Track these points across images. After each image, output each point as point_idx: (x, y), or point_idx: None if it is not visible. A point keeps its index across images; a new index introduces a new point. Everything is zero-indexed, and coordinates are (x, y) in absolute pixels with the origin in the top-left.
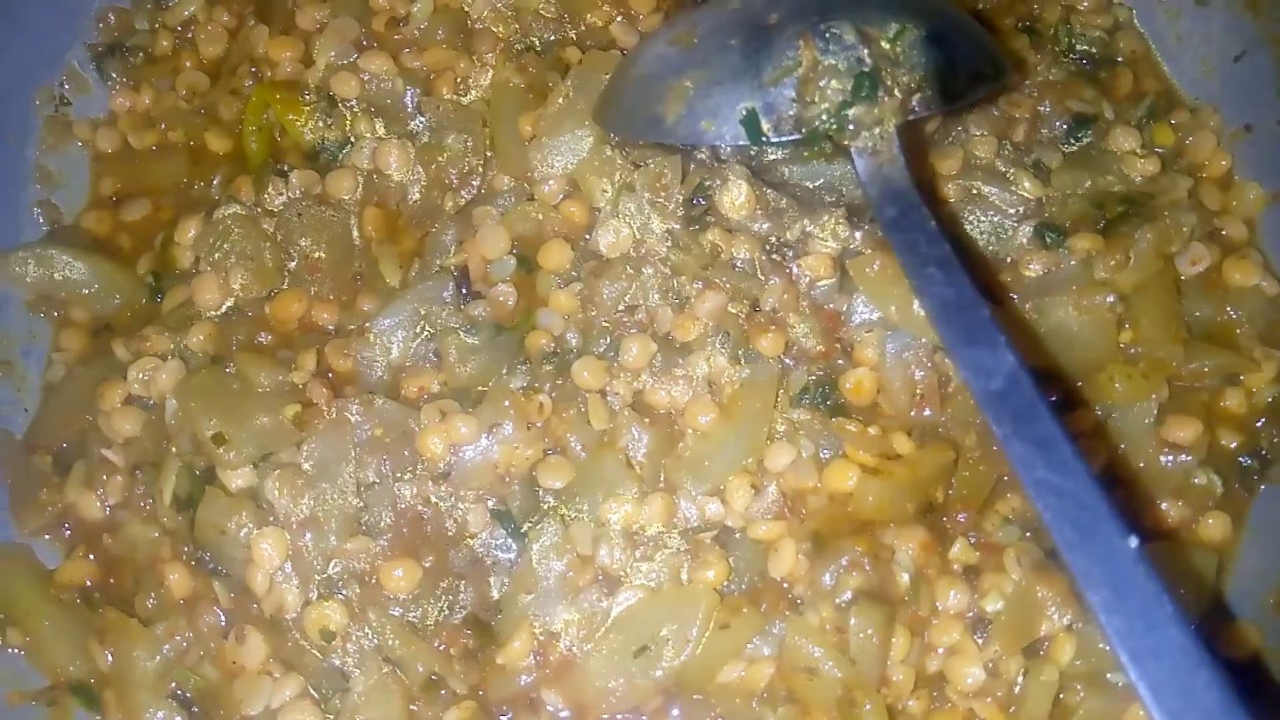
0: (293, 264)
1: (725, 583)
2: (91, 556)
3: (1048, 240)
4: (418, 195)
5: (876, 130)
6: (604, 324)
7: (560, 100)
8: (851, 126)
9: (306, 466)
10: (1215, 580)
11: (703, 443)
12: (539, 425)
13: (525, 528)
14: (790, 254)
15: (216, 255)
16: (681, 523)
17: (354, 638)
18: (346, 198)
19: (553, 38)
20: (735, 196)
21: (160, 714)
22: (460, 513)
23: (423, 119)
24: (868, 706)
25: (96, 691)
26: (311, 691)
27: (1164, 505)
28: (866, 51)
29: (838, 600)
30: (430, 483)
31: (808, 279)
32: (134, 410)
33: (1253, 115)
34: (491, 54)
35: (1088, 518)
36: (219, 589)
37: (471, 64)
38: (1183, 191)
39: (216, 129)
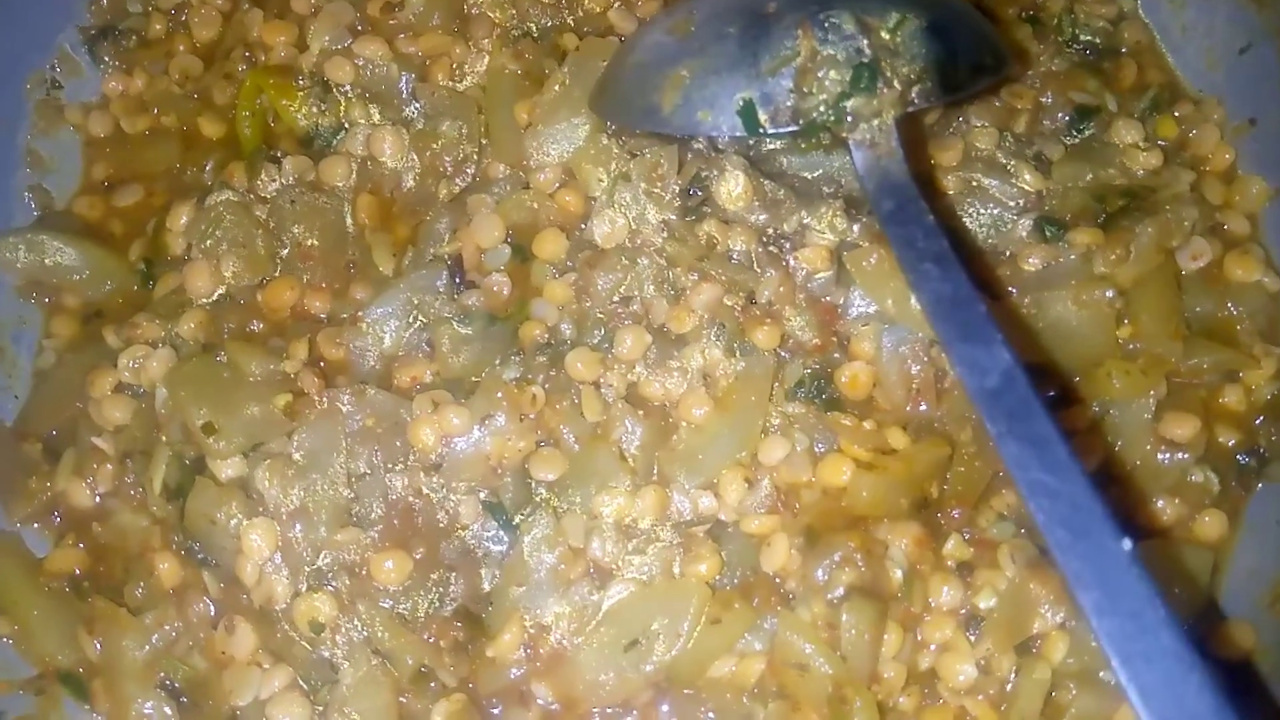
0: (285, 251)
1: (717, 577)
2: (81, 545)
3: (1048, 234)
4: (412, 182)
5: (875, 122)
6: (598, 315)
7: (556, 87)
8: (850, 118)
9: (297, 457)
10: (1210, 579)
11: (696, 436)
12: (532, 417)
13: (517, 520)
14: (787, 246)
15: (208, 242)
16: (674, 516)
17: (343, 629)
18: (340, 184)
19: (550, 23)
20: (732, 187)
21: (149, 704)
22: (452, 504)
23: (417, 105)
24: (858, 703)
25: (85, 681)
26: (301, 683)
27: (1160, 503)
28: (866, 42)
29: (830, 596)
30: (422, 474)
31: (804, 271)
32: (124, 398)
33: (1257, 109)
34: (488, 40)
35: (1081, 519)
36: (208, 579)
37: (467, 50)
38: (1185, 185)
39: (209, 114)
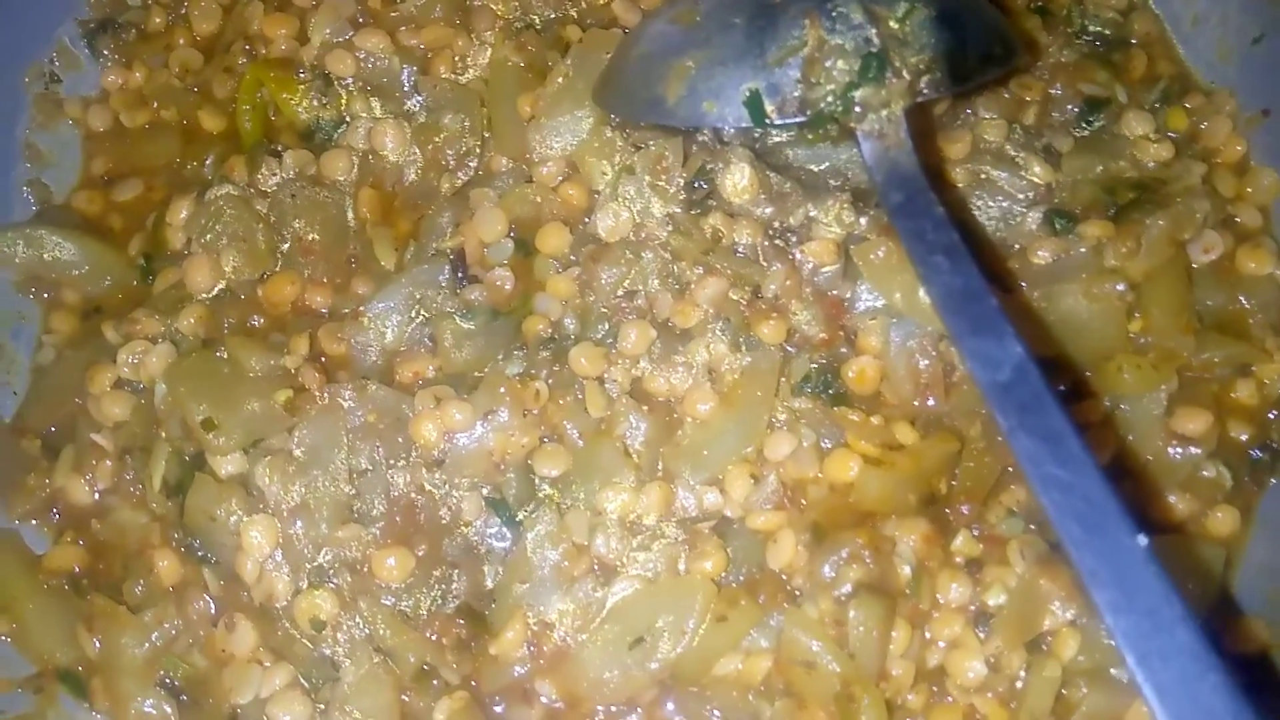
0: (286, 246)
1: (723, 574)
2: (80, 542)
3: (1057, 226)
4: (414, 176)
5: (884, 113)
6: (602, 309)
7: (560, 80)
8: (858, 109)
9: (298, 453)
10: (1223, 575)
11: (702, 431)
12: (535, 412)
13: (520, 516)
14: (793, 239)
15: (208, 236)
16: (679, 512)
17: (345, 627)
18: (341, 178)
19: (553, 15)
20: (738, 180)
21: (148, 702)
22: (454, 500)
23: (419, 98)
24: (866, 701)
25: (84, 679)
26: (302, 681)
27: (1172, 498)
28: (874, 31)
29: (837, 593)
30: (424, 470)
31: (811, 265)
32: (124, 394)
33: (1270, 100)
34: (490, 32)
35: (1095, 515)
36: (208, 576)
37: (470, 42)
38: (1196, 177)
39: (210, 107)
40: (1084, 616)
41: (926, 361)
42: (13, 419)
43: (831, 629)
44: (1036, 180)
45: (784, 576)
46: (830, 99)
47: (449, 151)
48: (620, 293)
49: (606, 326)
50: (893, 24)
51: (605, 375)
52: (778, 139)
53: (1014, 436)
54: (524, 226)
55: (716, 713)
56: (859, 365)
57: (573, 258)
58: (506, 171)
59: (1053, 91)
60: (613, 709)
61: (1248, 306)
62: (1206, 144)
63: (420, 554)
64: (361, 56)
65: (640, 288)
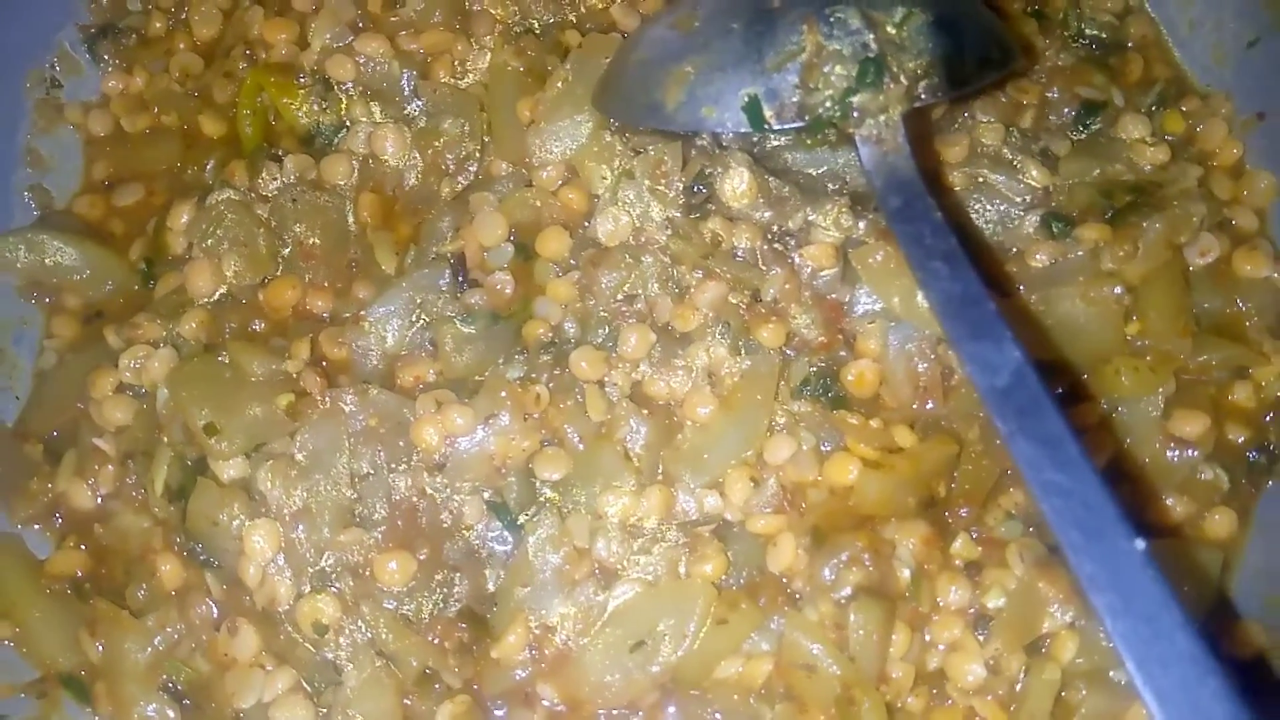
0: (287, 250)
1: (723, 577)
2: (82, 547)
3: (1055, 230)
4: (414, 180)
5: (881, 118)
6: (602, 313)
7: (559, 84)
8: (856, 114)
9: (300, 457)
10: (1220, 578)
11: (702, 434)
12: (536, 416)
13: (521, 520)
14: (792, 243)
15: (209, 241)
16: (680, 515)
17: (347, 631)
18: (342, 183)
19: (552, 20)
20: (736, 184)
21: (151, 706)
22: (456, 504)
23: (419, 103)
24: (866, 704)
25: (87, 683)
26: (304, 685)
27: (1169, 501)
28: (872, 37)
29: (837, 596)
30: (425, 474)
31: (810, 269)
32: (126, 399)
33: (1265, 103)
34: (489, 36)
35: (1094, 519)
36: (211, 581)
37: (469, 47)
38: (1193, 180)
39: (210, 112)
40: (1083, 619)
41: (925, 365)
42: (15, 424)
43: (832, 632)
44: (1034, 184)
45: (784, 580)
46: (828, 104)
47: (449, 156)
48: (620, 297)
49: (606, 330)
50: (890, 29)
51: (605, 379)
52: (776, 143)
53: (1013, 441)
54: (524, 231)
55: (718, 716)
56: (858, 369)
57: (572, 262)
58: (506, 176)
59: (1049, 95)
60: (614, 712)
61: (1244, 309)
62: (1203, 147)
63: (422, 558)
64: (361, 61)
65: (640, 291)
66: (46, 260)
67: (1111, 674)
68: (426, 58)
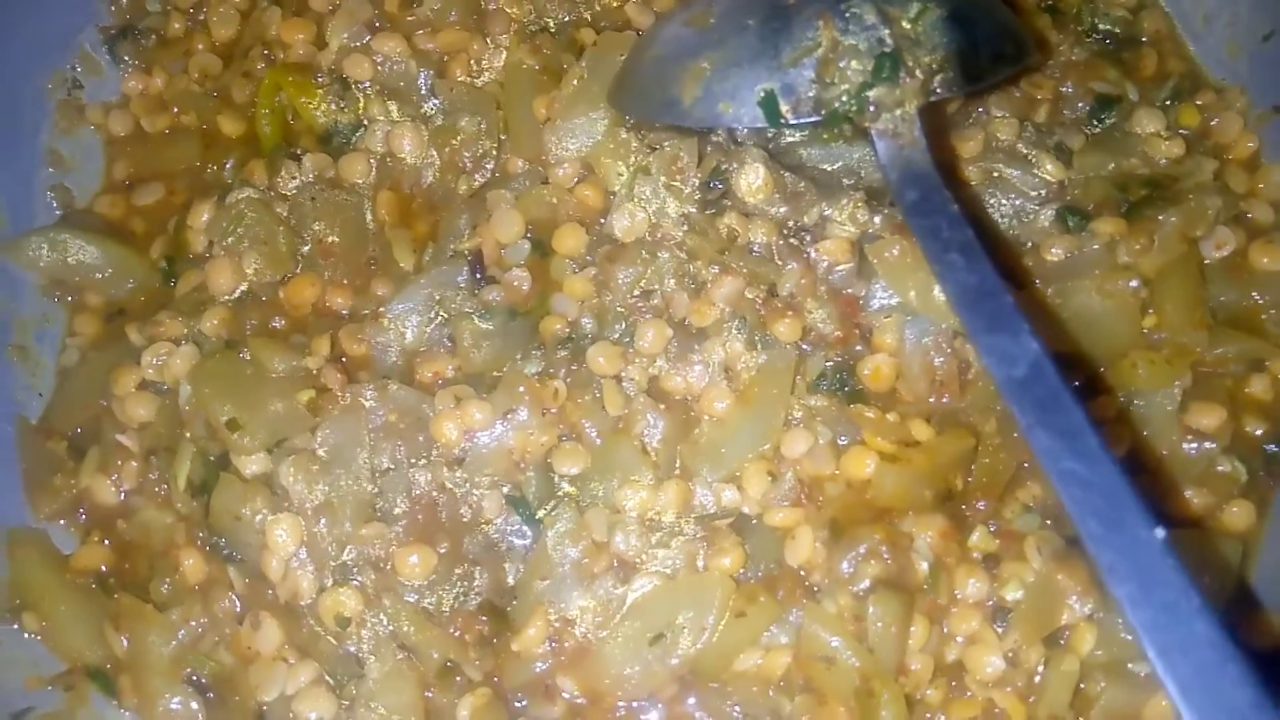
0: (306, 248)
1: (741, 570)
2: (106, 542)
3: (1070, 224)
4: (431, 178)
5: (898, 112)
6: (619, 309)
7: (575, 82)
8: (872, 108)
9: (321, 452)
10: (1239, 569)
11: (718, 429)
12: (554, 411)
13: (540, 514)
14: (808, 238)
15: (230, 239)
16: (697, 509)
17: (369, 624)
18: (360, 181)
19: (567, 19)
20: (752, 180)
21: (176, 699)
22: (475, 499)
23: (436, 101)
24: (885, 696)
25: (112, 676)
26: (326, 678)
27: (1187, 493)
28: (887, 32)
29: (855, 588)
30: (445, 468)
31: (826, 263)
32: (148, 395)
33: None
34: (505, 35)
35: (1113, 509)
36: (234, 575)
37: (485, 45)
38: (1208, 174)
39: (229, 112)
40: (1101, 611)
41: (941, 359)
42: (39, 421)
43: (850, 624)
44: (1049, 178)
45: (802, 573)
46: (845, 99)
47: (466, 154)
48: (637, 292)
49: (623, 326)
50: (905, 24)
51: (623, 374)
52: (791, 139)
53: (1031, 432)
54: (541, 227)
55: (737, 708)
56: (874, 363)
57: (589, 258)
58: (523, 173)
59: (1064, 90)
60: (634, 704)
61: (1261, 302)
62: (1218, 141)
63: (442, 551)
64: (379, 60)
65: (656, 287)
66: (69, 259)
67: (1130, 666)
68: (443, 57)
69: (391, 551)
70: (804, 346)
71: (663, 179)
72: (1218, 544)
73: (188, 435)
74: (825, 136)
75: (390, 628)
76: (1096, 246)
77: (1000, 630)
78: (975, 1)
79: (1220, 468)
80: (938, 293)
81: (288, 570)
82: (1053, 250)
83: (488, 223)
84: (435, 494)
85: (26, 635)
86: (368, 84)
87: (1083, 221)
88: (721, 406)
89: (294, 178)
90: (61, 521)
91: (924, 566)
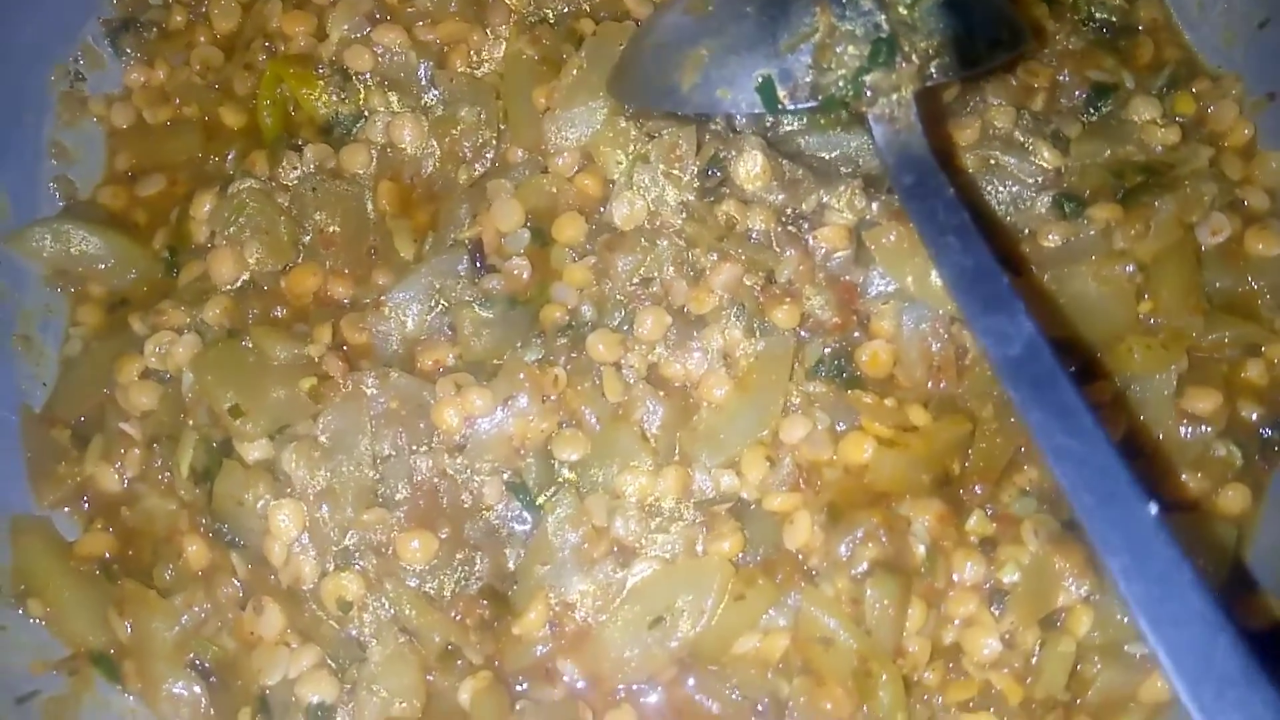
0: (307, 238)
1: (740, 554)
2: (110, 529)
3: (1067, 210)
4: (432, 168)
5: (894, 97)
6: (618, 297)
7: (574, 72)
8: (869, 93)
9: (323, 439)
10: (1234, 552)
11: (717, 415)
12: (554, 398)
13: (540, 500)
14: (806, 225)
15: (231, 229)
16: (696, 494)
17: (371, 608)
18: (360, 171)
19: (566, 9)
20: (750, 167)
21: (179, 684)
22: (476, 485)
23: (436, 92)
24: (883, 677)
25: (116, 661)
26: (329, 661)
27: (1183, 477)
28: (884, 17)
29: (853, 572)
30: (446, 455)
31: (823, 250)
32: (151, 384)
33: (1276, 84)
34: (505, 26)
35: (1107, 484)
36: (236, 560)
37: (485, 36)
38: (1204, 161)
39: (231, 103)
40: (1097, 593)
41: (939, 344)
42: (43, 410)
43: (848, 607)
44: (1045, 165)
45: (800, 556)
46: (841, 84)
47: (466, 144)
48: (636, 280)
49: (623, 313)
50: (901, 10)
51: (622, 361)
52: (789, 128)
53: (1027, 410)
54: (540, 216)
55: (736, 690)
56: (872, 349)
57: (588, 246)
58: (522, 162)
59: (1060, 78)
60: (634, 687)
61: (1256, 287)
62: (1213, 128)
63: (443, 537)
64: (379, 51)
65: (655, 275)
66: (72, 249)
67: (1126, 648)
68: (443, 47)
69: (393, 537)
70: (802, 333)
71: (661, 167)
72: (1213, 527)
73: (190, 423)
74: (822, 122)
75: (392, 612)
76: (1093, 233)
77: (997, 613)
78: None
79: (1216, 452)
80: (935, 278)
81: (290, 555)
82: (1049, 236)
83: (488, 212)
84: (436, 480)
85: (31, 621)
86: (368, 75)
87: (1079, 208)
88: (720, 393)
89: (295, 168)
90: (65, 509)
91: (921, 550)
